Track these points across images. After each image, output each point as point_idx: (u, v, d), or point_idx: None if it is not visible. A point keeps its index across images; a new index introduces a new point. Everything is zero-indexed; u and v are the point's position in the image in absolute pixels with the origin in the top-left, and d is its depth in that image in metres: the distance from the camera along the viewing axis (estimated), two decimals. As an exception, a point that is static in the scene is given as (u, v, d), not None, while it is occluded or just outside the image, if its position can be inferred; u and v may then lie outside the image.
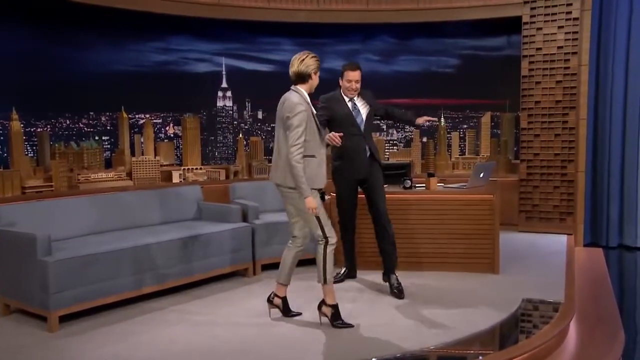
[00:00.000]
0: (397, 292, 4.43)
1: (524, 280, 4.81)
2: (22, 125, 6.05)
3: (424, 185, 5.23)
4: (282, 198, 3.89)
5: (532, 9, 6.71)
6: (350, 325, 3.78)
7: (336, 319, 3.79)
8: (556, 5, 6.59)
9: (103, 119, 6.96)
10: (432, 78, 7.71)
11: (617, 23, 6.41)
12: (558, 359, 3.54)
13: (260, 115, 7.91)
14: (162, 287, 4.46)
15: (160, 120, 7.40)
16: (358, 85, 4.51)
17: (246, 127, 7.81)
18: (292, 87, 3.80)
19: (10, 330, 3.90)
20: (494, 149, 7.58)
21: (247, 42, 7.57)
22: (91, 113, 6.88)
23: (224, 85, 7.62)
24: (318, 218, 3.71)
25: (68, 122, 6.72)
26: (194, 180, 6.89)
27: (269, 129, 7.86)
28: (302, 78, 3.75)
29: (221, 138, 7.75)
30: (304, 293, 4.29)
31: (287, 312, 4.02)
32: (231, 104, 7.72)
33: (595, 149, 6.62)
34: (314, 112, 3.80)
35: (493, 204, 4.99)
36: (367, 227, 4.79)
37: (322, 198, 3.82)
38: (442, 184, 5.36)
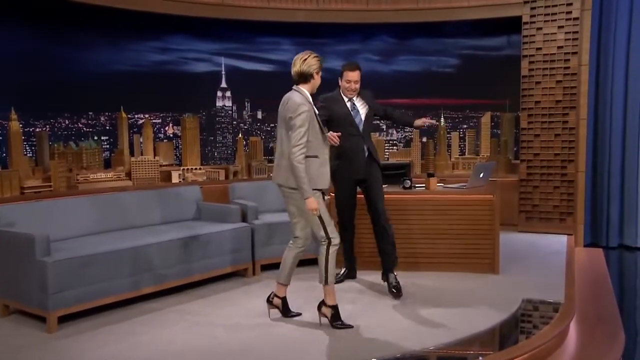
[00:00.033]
0: (395, 291, 4.43)
1: (524, 281, 4.80)
2: (20, 125, 6.03)
3: (423, 185, 5.22)
4: (284, 198, 3.88)
5: (532, 8, 6.70)
6: (349, 326, 3.77)
7: (336, 320, 3.78)
8: (556, 5, 6.58)
9: (102, 119, 6.95)
10: (432, 78, 7.70)
11: (617, 23, 6.40)
12: (558, 359, 3.53)
13: (259, 115, 7.90)
14: (161, 287, 4.45)
15: (159, 121, 7.39)
16: (357, 86, 4.51)
17: (245, 127, 7.80)
18: (294, 87, 3.79)
19: (9, 331, 3.88)
20: (494, 149, 7.58)
21: (246, 42, 7.56)
22: (90, 113, 6.87)
23: (224, 85, 7.61)
24: (321, 219, 3.71)
25: (67, 122, 6.70)
26: (193, 181, 6.88)
27: (269, 129, 7.86)
28: (304, 78, 3.74)
29: (220, 138, 7.74)
30: (304, 293, 4.29)
31: (286, 312, 4.01)
32: (230, 104, 7.71)
33: (596, 149, 6.61)
34: (317, 112, 3.79)
35: (493, 204, 4.98)
36: (367, 228, 4.78)
37: (322, 198, 3.81)
38: (442, 184, 5.35)
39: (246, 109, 7.82)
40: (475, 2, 7.00)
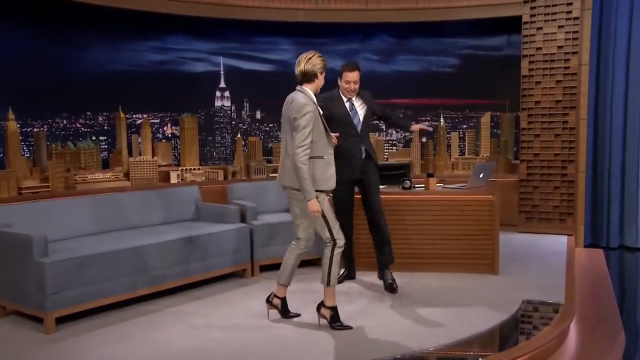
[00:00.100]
0: (391, 287, 4.45)
1: (524, 281, 4.79)
2: (18, 125, 6.01)
3: (423, 185, 5.20)
4: (288, 199, 3.86)
5: (532, 8, 6.68)
6: (349, 327, 3.75)
7: (335, 321, 3.76)
8: (556, 5, 6.56)
9: (100, 119, 6.93)
10: (432, 78, 7.68)
11: (617, 22, 6.38)
12: (558, 360, 3.52)
13: (258, 115, 7.88)
14: (160, 288, 4.44)
15: (157, 121, 7.37)
16: (357, 87, 4.49)
17: (244, 127, 7.78)
18: (298, 87, 3.76)
19: (6, 332, 3.86)
20: (493, 149, 7.56)
21: (245, 42, 7.54)
22: (88, 113, 6.85)
23: (222, 85, 7.59)
24: (326, 220, 3.69)
25: (65, 122, 6.68)
26: (192, 181, 6.86)
27: (267, 129, 7.84)
28: (308, 77, 3.72)
29: (219, 138, 7.72)
30: (303, 294, 4.27)
31: (285, 313, 3.99)
32: (229, 104, 7.69)
33: (596, 149, 6.59)
34: (321, 112, 3.77)
35: (493, 205, 4.96)
36: (365, 228, 4.77)
37: (327, 199, 3.80)
38: (442, 185, 5.33)
39: (245, 109, 7.80)
40: (475, 1, 6.98)
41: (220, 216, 5.16)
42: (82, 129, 6.81)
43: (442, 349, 3.45)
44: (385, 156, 7.79)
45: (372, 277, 4.80)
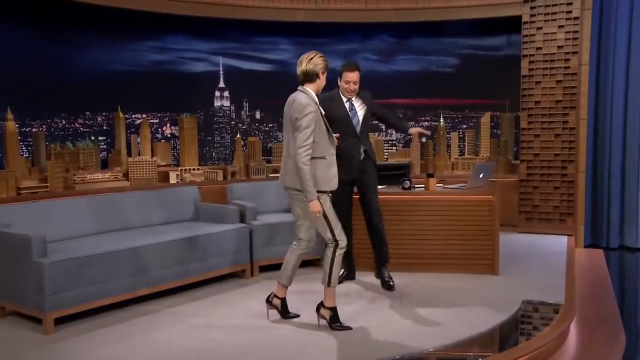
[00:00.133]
0: (388, 285, 4.47)
1: (524, 282, 4.78)
2: (17, 125, 6.00)
3: (423, 185, 5.19)
4: (290, 200, 3.85)
5: (532, 8, 6.67)
6: (348, 328, 3.74)
7: (334, 322, 3.75)
8: (556, 5, 6.55)
9: (99, 119, 6.92)
10: (432, 78, 7.68)
11: (617, 22, 6.37)
12: (559, 361, 3.52)
13: (258, 115, 7.87)
14: (159, 288, 4.42)
15: (157, 121, 7.36)
16: (356, 87, 4.48)
17: (244, 127, 7.77)
18: (300, 87, 3.75)
19: (5, 332, 3.85)
20: (493, 149, 7.55)
21: (244, 42, 7.53)
22: (87, 113, 6.84)
23: (222, 85, 7.58)
24: (328, 221, 3.68)
25: (64, 122, 6.67)
26: (191, 181, 6.85)
27: (267, 129, 7.83)
28: (309, 77, 3.71)
29: (218, 138, 7.71)
30: (303, 295, 4.26)
31: (285, 313, 3.98)
32: (229, 104, 7.68)
33: (596, 149, 6.59)
34: (323, 112, 3.76)
35: (493, 205, 4.95)
36: (364, 228, 4.76)
37: (329, 200, 3.79)
38: (442, 185, 5.32)
39: (244, 109, 7.79)
40: (475, 1, 6.97)
41: (220, 216, 5.15)
42: (81, 129, 6.80)
43: (442, 349, 3.44)
44: (385, 156, 7.78)
45: (372, 278, 4.80)
